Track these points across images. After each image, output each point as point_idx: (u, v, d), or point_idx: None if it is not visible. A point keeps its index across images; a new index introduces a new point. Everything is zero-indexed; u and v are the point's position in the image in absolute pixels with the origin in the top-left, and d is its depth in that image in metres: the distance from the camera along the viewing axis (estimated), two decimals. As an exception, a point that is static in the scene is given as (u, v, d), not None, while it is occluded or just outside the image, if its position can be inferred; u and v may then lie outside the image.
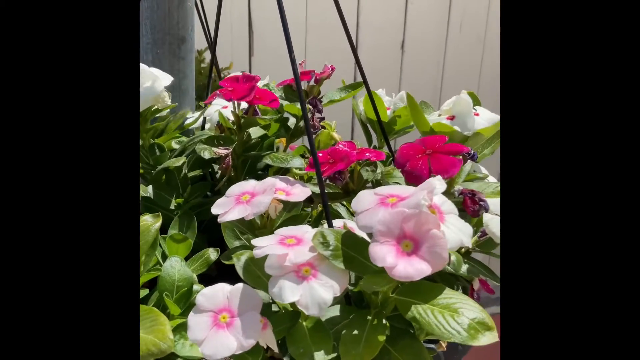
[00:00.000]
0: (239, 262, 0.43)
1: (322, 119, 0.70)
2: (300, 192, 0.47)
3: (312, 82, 0.72)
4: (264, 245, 0.41)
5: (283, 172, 0.65)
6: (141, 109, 0.61)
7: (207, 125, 0.73)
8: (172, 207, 0.60)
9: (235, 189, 0.49)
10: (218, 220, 0.46)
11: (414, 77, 1.83)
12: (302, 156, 0.72)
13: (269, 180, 0.48)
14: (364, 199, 0.40)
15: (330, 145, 0.71)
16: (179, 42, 0.77)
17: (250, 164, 0.66)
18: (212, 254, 0.54)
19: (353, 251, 0.39)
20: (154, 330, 0.39)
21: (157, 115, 0.65)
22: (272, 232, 0.48)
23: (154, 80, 0.61)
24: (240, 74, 0.65)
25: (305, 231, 0.42)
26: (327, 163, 0.55)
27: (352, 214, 0.57)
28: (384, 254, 0.36)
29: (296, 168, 0.61)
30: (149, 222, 0.47)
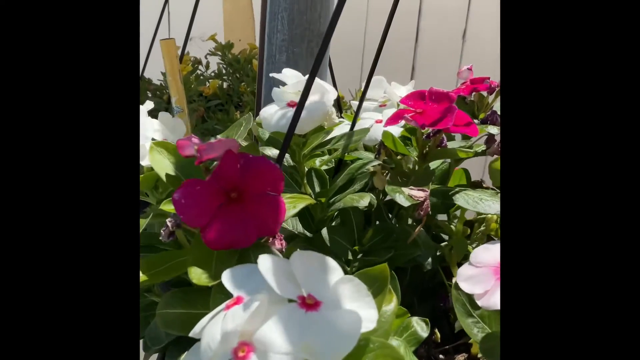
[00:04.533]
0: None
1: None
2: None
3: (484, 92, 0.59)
4: None
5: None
6: (308, 128, 0.49)
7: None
8: (350, 256, 0.47)
9: (484, 254, 0.37)
10: (479, 303, 0.34)
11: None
12: (477, 184, 0.60)
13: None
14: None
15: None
16: (318, 38, 0.64)
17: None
18: (419, 326, 0.42)
19: None
20: None
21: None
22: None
23: (322, 94, 0.49)
24: (427, 89, 0.53)
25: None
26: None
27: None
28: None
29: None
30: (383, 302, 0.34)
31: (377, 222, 0.52)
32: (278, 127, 0.47)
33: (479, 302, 0.34)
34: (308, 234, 0.52)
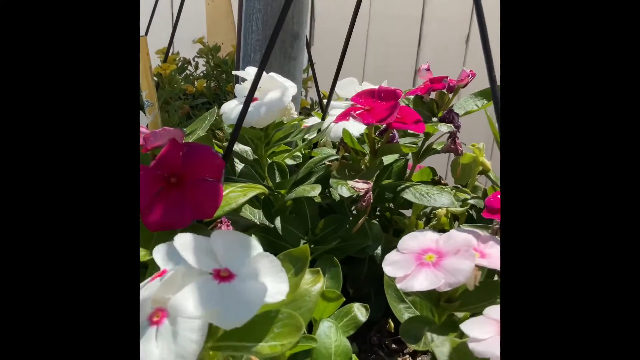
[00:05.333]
0: (440, 349, 0.33)
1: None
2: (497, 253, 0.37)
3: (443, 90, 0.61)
4: (484, 337, 0.31)
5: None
6: (266, 123, 0.51)
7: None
8: (301, 244, 0.50)
9: (411, 242, 0.39)
10: (398, 286, 0.36)
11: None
12: (435, 181, 0.62)
13: (461, 235, 0.38)
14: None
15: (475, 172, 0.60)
16: (292, 39, 0.67)
17: (377, 195, 0.56)
18: (359, 311, 0.44)
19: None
20: None
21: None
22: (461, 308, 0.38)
23: (283, 91, 0.51)
24: (375, 87, 0.55)
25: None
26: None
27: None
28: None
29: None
30: (308, 282, 0.37)
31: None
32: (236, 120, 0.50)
33: (398, 285, 0.36)
34: (269, 223, 0.55)
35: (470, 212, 0.61)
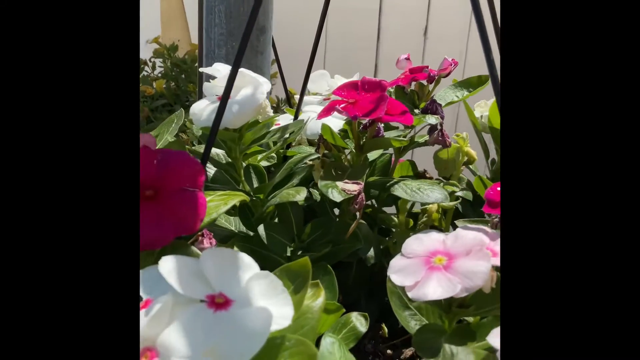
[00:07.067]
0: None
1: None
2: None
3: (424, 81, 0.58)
4: None
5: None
6: (240, 123, 0.47)
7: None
8: (288, 253, 0.46)
9: (416, 245, 0.36)
10: (410, 295, 0.33)
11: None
12: (421, 175, 0.59)
13: (470, 234, 0.34)
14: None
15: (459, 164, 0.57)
16: (258, 32, 0.63)
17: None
18: (358, 321, 0.41)
19: None
20: None
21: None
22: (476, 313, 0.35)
23: (256, 87, 0.47)
24: (358, 78, 0.52)
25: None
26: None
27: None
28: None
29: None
30: (308, 297, 0.33)
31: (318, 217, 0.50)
32: (209, 122, 0.46)
33: (410, 294, 0.32)
34: (248, 232, 0.51)
35: (457, 205, 0.58)
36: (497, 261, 0.33)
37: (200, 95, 0.64)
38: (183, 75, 0.87)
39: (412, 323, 0.38)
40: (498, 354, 0.28)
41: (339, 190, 0.41)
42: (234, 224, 0.54)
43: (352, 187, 0.41)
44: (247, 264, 0.28)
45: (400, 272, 0.34)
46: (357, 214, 0.44)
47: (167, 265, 0.26)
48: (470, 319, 0.38)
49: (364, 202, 0.43)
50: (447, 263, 0.33)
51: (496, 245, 0.35)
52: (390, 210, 0.60)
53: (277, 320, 0.26)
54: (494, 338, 0.28)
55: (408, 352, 0.52)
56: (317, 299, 0.33)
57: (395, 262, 0.35)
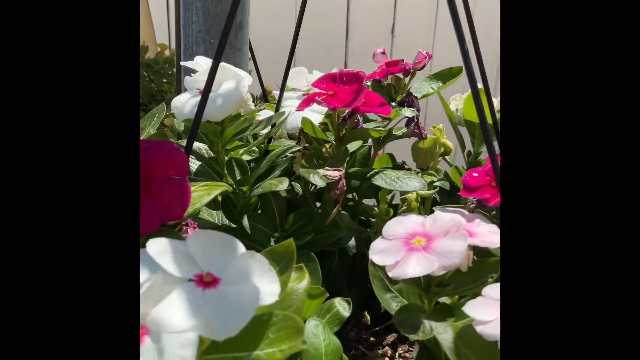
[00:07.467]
0: (443, 335, 0.31)
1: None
2: (491, 232, 0.36)
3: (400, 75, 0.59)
4: (490, 319, 0.29)
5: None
6: (223, 115, 0.48)
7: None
8: (272, 243, 0.47)
9: (395, 227, 0.37)
10: (389, 274, 0.34)
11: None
12: (399, 166, 0.61)
13: (447, 216, 0.36)
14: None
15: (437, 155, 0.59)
16: (236, 29, 0.64)
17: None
18: (341, 306, 0.42)
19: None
20: None
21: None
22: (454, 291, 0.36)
23: (238, 81, 0.48)
24: (337, 70, 0.53)
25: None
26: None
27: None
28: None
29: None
30: (293, 280, 0.34)
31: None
32: (191, 114, 0.46)
33: (390, 273, 0.34)
34: (231, 224, 0.51)
35: (434, 195, 0.60)
36: (474, 241, 0.34)
37: (180, 90, 0.65)
38: (153, 76, 0.87)
39: (393, 305, 0.39)
40: (479, 327, 0.29)
41: (320, 175, 0.42)
42: (216, 218, 0.54)
43: (333, 173, 0.43)
44: (234, 244, 0.29)
45: (381, 252, 0.35)
46: (338, 200, 0.45)
47: (155, 247, 0.27)
48: (449, 300, 0.40)
49: (345, 189, 0.44)
50: (426, 244, 0.34)
51: (473, 226, 0.36)
52: (371, 203, 0.61)
53: (264, 296, 0.27)
54: (470, 308, 0.30)
55: (390, 338, 0.53)
56: (301, 281, 0.34)
57: (376, 244, 0.36)
